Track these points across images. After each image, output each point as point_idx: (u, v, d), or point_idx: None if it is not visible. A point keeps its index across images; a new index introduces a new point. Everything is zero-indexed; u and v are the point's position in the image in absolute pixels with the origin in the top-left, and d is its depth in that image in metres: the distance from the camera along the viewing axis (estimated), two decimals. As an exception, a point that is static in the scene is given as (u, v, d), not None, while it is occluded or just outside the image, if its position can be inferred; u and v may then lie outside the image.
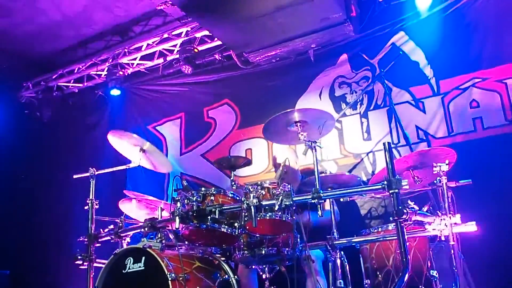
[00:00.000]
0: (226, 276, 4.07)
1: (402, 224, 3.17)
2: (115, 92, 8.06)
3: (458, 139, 5.79)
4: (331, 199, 4.36)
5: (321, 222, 4.48)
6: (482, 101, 5.78)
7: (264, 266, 4.12)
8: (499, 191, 5.18)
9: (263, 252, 3.99)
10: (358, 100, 6.42)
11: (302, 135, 4.00)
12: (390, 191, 3.22)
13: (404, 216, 3.12)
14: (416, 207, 3.71)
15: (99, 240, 4.54)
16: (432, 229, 3.73)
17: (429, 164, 4.04)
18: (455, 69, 5.96)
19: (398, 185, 3.20)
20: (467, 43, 5.98)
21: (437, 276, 3.94)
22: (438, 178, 3.92)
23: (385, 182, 3.24)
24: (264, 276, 4.10)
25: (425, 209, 4.05)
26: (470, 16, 6.03)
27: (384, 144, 3.32)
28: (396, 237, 3.65)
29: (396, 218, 3.15)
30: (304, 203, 3.82)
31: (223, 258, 4.23)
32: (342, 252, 4.12)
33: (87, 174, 4.74)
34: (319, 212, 3.60)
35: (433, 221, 3.70)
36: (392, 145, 5.58)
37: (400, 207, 3.14)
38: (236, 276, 4.10)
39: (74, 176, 4.89)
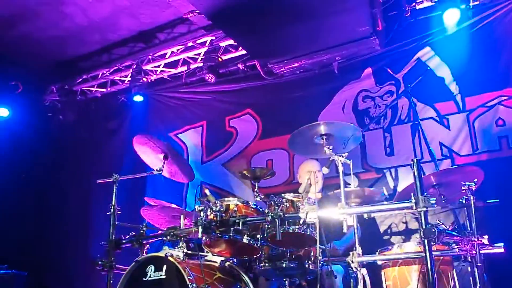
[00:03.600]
0: (247, 287, 4.04)
1: (429, 244, 3.12)
2: (138, 98, 8.10)
3: (483, 157, 5.73)
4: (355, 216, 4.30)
5: (346, 246, 4.46)
6: (508, 120, 5.72)
7: (284, 279, 4.08)
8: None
9: (284, 265, 3.98)
10: (382, 115, 6.38)
11: (328, 148, 3.96)
12: (419, 209, 3.16)
13: (432, 236, 3.06)
14: (445, 227, 3.65)
15: (120, 246, 4.50)
16: (459, 249, 3.66)
17: (456, 183, 3.98)
18: (481, 86, 5.92)
19: (427, 204, 3.15)
20: (494, 60, 5.93)
21: (460, 296, 3.88)
22: (465, 197, 3.87)
23: (413, 200, 3.19)
24: (284, 290, 4.06)
25: (449, 228, 3.99)
26: (498, 33, 5.99)
27: (412, 160, 3.27)
28: (419, 256, 3.63)
29: (424, 237, 3.09)
30: (326, 228, 3.79)
31: (243, 270, 4.20)
32: (364, 269, 4.06)
33: (111, 180, 4.71)
34: (344, 228, 3.56)
35: (461, 241, 3.64)
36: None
37: (428, 226, 3.09)
38: (256, 288, 4.07)
39: (98, 181, 4.87)
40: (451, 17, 5.97)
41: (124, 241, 4.51)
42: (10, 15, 7.23)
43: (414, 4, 6.33)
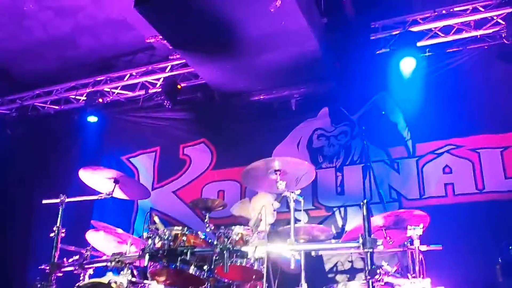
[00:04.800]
0: (190, 319, 3.97)
1: (373, 284, 3.16)
2: (92, 118, 7.92)
3: (430, 203, 5.88)
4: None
5: (289, 269, 4.43)
6: (455, 168, 5.94)
7: (228, 312, 4.04)
8: (467, 257, 5.24)
9: (229, 298, 3.95)
10: (335, 154, 6.49)
11: (281, 184, 3.99)
12: (365, 250, 3.21)
13: (377, 276, 3.12)
14: (389, 268, 3.71)
15: (62, 269, 4.37)
16: (402, 291, 3.72)
17: (403, 226, 4.07)
18: (431, 133, 6.13)
19: (373, 245, 3.21)
20: (445, 109, 6.16)
21: None
22: (410, 240, 3.96)
23: (361, 240, 3.24)
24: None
25: (393, 270, 4.05)
26: (451, 83, 6.25)
27: (362, 202, 3.33)
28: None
29: (368, 277, 3.14)
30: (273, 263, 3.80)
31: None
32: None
33: (57, 201, 4.59)
34: (292, 265, 3.57)
35: (403, 284, 3.71)
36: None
37: (373, 267, 3.14)
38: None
39: (44, 201, 4.72)
40: (407, 65, 6.17)
41: (66, 264, 4.38)
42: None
43: (373, 49, 6.53)
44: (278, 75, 6.48)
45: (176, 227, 3.93)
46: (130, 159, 7.96)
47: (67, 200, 4.63)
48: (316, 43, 5.81)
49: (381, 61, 6.48)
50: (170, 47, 6.96)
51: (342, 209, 6.37)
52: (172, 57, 7.63)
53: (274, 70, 6.36)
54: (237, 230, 3.84)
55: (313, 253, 4.24)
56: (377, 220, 4.28)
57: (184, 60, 7.29)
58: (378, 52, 6.55)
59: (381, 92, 6.56)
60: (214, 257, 3.74)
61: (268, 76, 6.52)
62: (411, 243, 3.97)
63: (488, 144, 5.88)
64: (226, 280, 3.97)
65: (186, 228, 3.98)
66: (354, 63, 6.63)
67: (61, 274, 4.40)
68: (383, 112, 6.26)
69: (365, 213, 3.33)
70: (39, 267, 4.49)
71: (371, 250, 3.22)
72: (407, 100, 6.31)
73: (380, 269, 3.18)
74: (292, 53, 6.00)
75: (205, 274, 3.85)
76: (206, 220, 4.13)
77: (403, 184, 6.10)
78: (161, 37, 6.78)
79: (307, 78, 6.49)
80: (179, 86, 7.40)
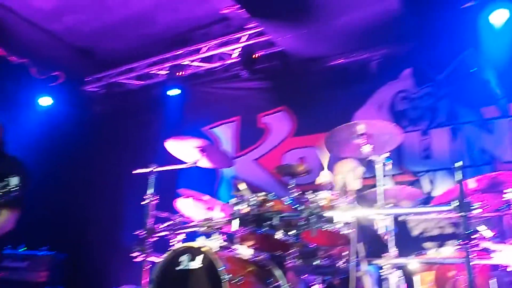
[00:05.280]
0: (279, 282, 4.02)
1: (469, 250, 3.04)
2: (174, 91, 8.13)
3: (526, 165, 5.56)
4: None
5: (378, 235, 4.37)
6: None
7: (316, 277, 4.05)
8: None
9: (317, 262, 3.96)
10: (420, 117, 6.26)
11: (366, 148, 3.90)
12: (460, 214, 3.08)
13: (473, 242, 2.99)
14: (486, 234, 3.55)
15: (156, 234, 4.55)
16: (500, 257, 3.55)
17: (498, 189, 3.88)
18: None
19: (468, 209, 3.07)
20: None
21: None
22: (506, 204, 3.76)
23: (455, 204, 3.11)
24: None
25: (490, 235, 3.88)
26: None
27: (456, 164, 3.19)
28: (457, 261, 3.55)
29: (464, 242, 3.01)
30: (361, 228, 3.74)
31: (275, 264, 4.18)
32: (398, 271, 3.98)
33: (147, 170, 4.74)
34: (379, 230, 3.51)
35: (502, 249, 3.54)
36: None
37: (469, 232, 3.01)
38: (288, 284, 4.03)
39: (134, 172, 4.90)
40: (498, 18, 5.80)
41: (159, 230, 4.55)
42: (53, 7, 7.34)
43: (457, 3, 6.17)
44: (356, 37, 6.32)
45: (262, 193, 3.97)
46: (211, 130, 8.11)
47: (156, 169, 4.74)
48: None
49: (467, 16, 6.08)
50: (245, 17, 6.96)
51: (428, 174, 6.16)
52: (247, 27, 7.60)
53: (352, 33, 6.20)
54: (324, 195, 3.82)
55: (400, 218, 4.15)
56: (470, 183, 4.09)
57: (259, 29, 7.25)
58: (463, 6, 6.16)
59: (469, 48, 6.19)
60: (300, 222, 3.75)
61: (347, 39, 6.37)
62: (508, 208, 3.77)
63: None
64: (312, 245, 3.97)
65: (272, 194, 4.00)
66: (438, 19, 6.28)
67: (154, 239, 4.56)
68: (474, 69, 5.90)
69: (458, 176, 3.19)
70: (134, 233, 4.64)
71: (466, 214, 3.09)
72: (500, 56, 5.88)
73: (476, 234, 3.04)
74: (371, 13, 5.80)
75: (292, 239, 3.88)
76: (291, 186, 4.14)
77: (497, 145, 5.77)
78: (235, 7, 6.75)
79: (387, 39, 6.28)
80: (255, 56, 7.40)
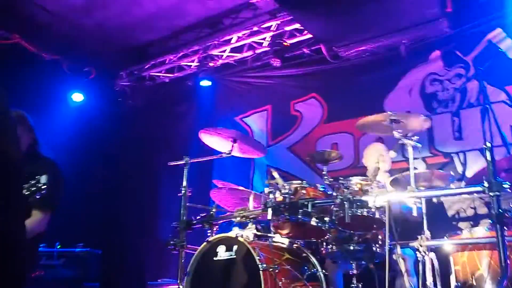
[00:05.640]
0: (314, 269, 4.12)
1: (502, 229, 3.08)
2: (205, 83, 8.26)
3: (557, 142, 5.51)
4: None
5: (411, 217, 4.42)
6: None
7: (351, 262, 4.13)
8: None
9: (352, 248, 4.04)
10: (450, 98, 6.25)
11: (398, 132, 3.95)
12: (491, 194, 3.13)
13: (505, 220, 3.04)
14: (518, 212, 3.59)
15: (192, 226, 4.64)
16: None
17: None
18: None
19: (500, 188, 3.12)
20: None
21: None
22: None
23: (486, 184, 3.15)
24: (351, 272, 4.12)
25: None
26: None
27: (486, 144, 3.23)
28: (490, 241, 3.59)
29: (496, 222, 3.06)
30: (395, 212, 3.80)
31: (310, 252, 4.29)
32: (433, 253, 4.04)
33: (182, 162, 4.85)
34: (414, 213, 3.57)
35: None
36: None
37: (501, 211, 3.06)
38: (324, 270, 4.13)
39: (169, 163, 5.01)
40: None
41: (195, 222, 4.64)
42: (84, 2, 7.51)
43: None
44: (384, 21, 6.29)
45: (295, 181, 4.06)
46: (244, 119, 8.22)
47: (190, 161, 4.85)
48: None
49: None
50: (273, 4, 7.02)
51: (461, 155, 6.16)
52: (276, 15, 7.64)
53: (380, 17, 6.19)
54: (356, 180, 3.89)
55: (434, 200, 4.19)
56: (501, 163, 4.11)
57: (288, 18, 7.29)
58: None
59: (496, 28, 6.13)
60: (334, 208, 3.83)
61: (375, 24, 6.35)
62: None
63: None
64: (347, 231, 4.05)
65: (305, 181, 4.09)
66: (466, 0, 6.26)
67: (190, 231, 4.64)
68: (500, 49, 5.84)
69: (489, 156, 3.23)
70: (171, 225, 4.73)
71: (498, 193, 3.13)
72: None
73: (509, 213, 3.08)
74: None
75: (327, 225, 3.97)
76: (324, 173, 4.22)
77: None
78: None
79: (415, 22, 6.22)
80: (285, 43, 7.45)
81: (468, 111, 6.23)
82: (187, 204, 4.74)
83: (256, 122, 8.09)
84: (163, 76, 9.02)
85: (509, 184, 3.20)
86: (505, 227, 3.14)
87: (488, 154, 3.20)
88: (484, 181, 3.16)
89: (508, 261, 3.67)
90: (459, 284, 4.05)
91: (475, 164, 5.87)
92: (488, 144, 3.20)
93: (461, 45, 6.44)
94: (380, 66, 6.97)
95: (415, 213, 3.58)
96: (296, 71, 7.80)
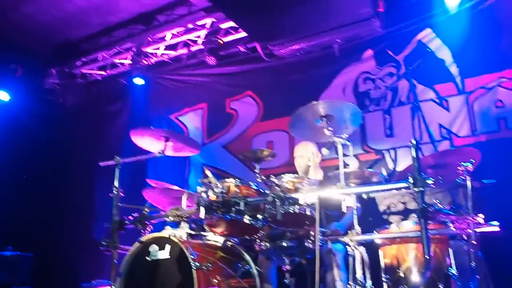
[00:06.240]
0: (248, 266, 4.13)
1: (426, 223, 3.18)
2: (139, 81, 8.08)
3: (482, 139, 5.77)
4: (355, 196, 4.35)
5: (347, 226, 4.53)
6: (507, 101, 5.75)
7: (285, 258, 4.17)
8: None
9: (285, 244, 4.08)
10: (382, 97, 6.42)
11: (328, 130, 4.00)
12: (416, 189, 3.22)
13: (429, 215, 3.13)
14: (441, 206, 3.71)
15: (124, 227, 4.56)
16: (455, 228, 3.73)
17: (453, 163, 4.02)
18: (481, 68, 5.93)
19: (424, 184, 3.21)
20: (494, 42, 5.91)
21: (456, 274, 3.94)
22: (461, 177, 3.92)
23: (411, 180, 3.24)
24: (284, 268, 4.15)
25: (446, 208, 4.04)
26: (499, 14, 5.95)
27: (411, 142, 3.32)
28: (417, 234, 3.70)
29: (421, 216, 3.16)
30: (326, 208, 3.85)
31: (244, 249, 4.28)
32: (363, 247, 4.13)
33: (113, 162, 4.75)
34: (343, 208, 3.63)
35: (457, 220, 3.71)
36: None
37: (425, 205, 3.16)
38: (257, 267, 4.14)
39: (100, 164, 4.89)
40: (453, 0, 5.95)
41: (127, 222, 4.57)
42: (11, -4, 7.21)
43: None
44: (318, 20, 6.37)
45: (228, 179, 4.04)
46: (179, 118, 8.13)
47: (122, 161, 4.75)
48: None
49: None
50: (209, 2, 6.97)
51: (392, 151, 6.34)
52: (212, 12, 7.58)
53: (314, 16, 6.26)
54: (288, 178, 3.91)
55: (364, 196, 4.28)
56: (427, 159, 4.25)
57: (223, 14, 7.26)
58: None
59: (426, 28, 6.36)
60: (266, 206, 3.84)
61: (309, 22, 6.42)
62: (463, 180, 3.93)
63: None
64: (280, 228, 4.08)
65: (238, 179, 4.08)
66: (397, 1, 6.44)
67: (123, 231, 4.57)
68: (429, 49, 6.07)
69: (414, 153, 3.32)
70: (103, 226, 4.65)
71: (422, 189, 3.23)
72: (454, 35, 6.07)
73: (432, 207, 3.18)
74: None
75: (260, 223, 3.98)
76: (256, 171, 4.22)
77: (454, 121, 5.98)
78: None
79: (348, 21, 6.34)
80: (220, 41, 7.43)
81: (399, 109, 6.42)
82: (119, 204, 4.67)
83: (192, 120, 8.03)
84: (95, 73, 8.79)
85: (433, 180, 3.29)
86: (429, 221, 3.24)
87: (413, 151, 3.29)
88: (409, 177, 3.24)
89: (432, 253, 3.83)
90: (388, 276, 4.16)
91: (405, 161, 6.05)
92: (414, 141, 3.28)
93: (392, 45, 6.63)
94: (315, 65, 7.07)
95: (344, 209, 3.64)
96: (231, 69, 7.79)
